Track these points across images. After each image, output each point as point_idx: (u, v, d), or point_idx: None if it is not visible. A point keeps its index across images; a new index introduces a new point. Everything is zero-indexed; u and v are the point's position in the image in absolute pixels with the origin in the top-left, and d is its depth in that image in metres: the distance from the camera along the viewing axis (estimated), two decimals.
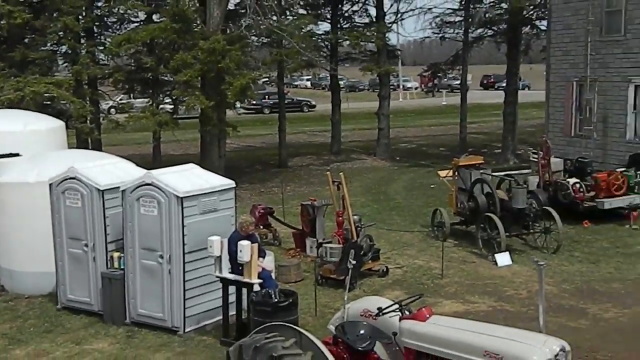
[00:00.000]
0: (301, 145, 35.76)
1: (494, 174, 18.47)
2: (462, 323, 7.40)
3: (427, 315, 7.12)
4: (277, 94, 33.78)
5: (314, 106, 57.39)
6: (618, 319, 12.24)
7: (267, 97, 51.81)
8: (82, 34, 25.54)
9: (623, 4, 23.34)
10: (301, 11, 31.20)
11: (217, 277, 10.87)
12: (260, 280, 10.59)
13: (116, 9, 25.98)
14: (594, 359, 10.38)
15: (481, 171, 17.65)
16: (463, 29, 32.70)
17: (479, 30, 33.24)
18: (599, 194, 18.31)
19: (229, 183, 11.98)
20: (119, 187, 11.52)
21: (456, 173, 17.92)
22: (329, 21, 31.88)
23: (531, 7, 30.77)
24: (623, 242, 17.17)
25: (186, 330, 11.21)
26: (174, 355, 10.65)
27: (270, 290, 10.30)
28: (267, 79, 37.00)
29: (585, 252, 16.40)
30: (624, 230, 18.08)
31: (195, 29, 23.04)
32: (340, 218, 14.58)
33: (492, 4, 32.45)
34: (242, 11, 25.74)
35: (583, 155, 21.72)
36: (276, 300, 10.04)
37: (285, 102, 34.96)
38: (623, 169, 19.70)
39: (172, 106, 25.04)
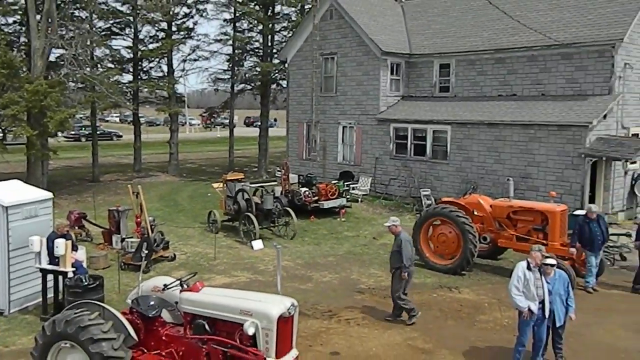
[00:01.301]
0: (111, 165, 33.94)
1: (251, 185, 18.76)
2: (226, 291, 7.43)
3: (200, 287, 7.07)
4: (91, 127, 32.07)
5: (121, 136, 54.75)
6: (332, 282, 12.93)
7: (83, 128, 48.79)
8: None
9: (335, 72, 24.87)
10: (110, 65, 29.88)
11: (37, 268, 10.12)
12: (74, 269, 10.08)
13: None
14: (316, 309, 10.88)
15: (242, 183, 17.89)
16: (230, 83, 33.00)
17: (242, 85, 33.74)
18: (320, 198, 19.25)
19: (47, 195, 11.14)
20: None
21: (225, 185, 18.06)
22: (131, 73, 30.77)
23: (276, 71, 31.80)
24: (336, 230, 18.12)
25: (11, 311, 10.21)
26: (0, 331, 9.63)
27: (81, 276, 9.87)
28: (82, 115, 34.66)
29: (312, 237, 17.09)
30: (337, 222, 19.08)
31: (22, 75, 21.32)
32: (139, 219, 14.10)
33: (250, 67, 33.17)
34: (62, 62, 24.13)
35: (310, 172, 22.77)
36: (86, 283, 9.60)
37: (98, 132, 33.14)
38: (335, 181, 20.94)
39: (1, 134, 22.79)
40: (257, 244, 14.89)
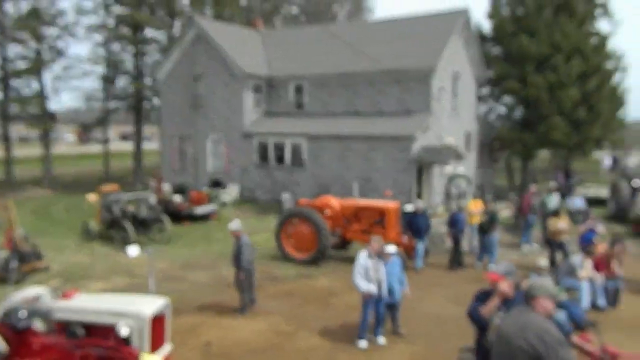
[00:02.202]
0: None
1: (126, 196, 17.74)
2: (100, 296, 6.99)
3: (74, 294, 6.57)
4: None
5: None
6: (205, 280, 12.62)
7: None
8: None
9: (204, 91, 24.39)
10: None
11: None
12: None
13: None
14: (191, 306, 10.56)
15: (116, 195, 16.88)
16: (104, 101, 31.01)
17: (115, 102, 31.82)
18: (192, 205, 18.75)
19: None
20: None
21: (100, 196, 16.87)
22: (2, 91, 27.80)
23: (149, 90, 30.45)
24: (208, 233, 17.75)
25: None
26: None
27: None
28: None
29: (186, 241, 16.56)
30: (209, 226, 18.75)
31: None
32: (9, 234, 12.74)
33: (123, 87, 31.42)
34: None
35: (183, 182, 22.10)
36: None
37: None
38: (206, 188, 20.53)
39: None
40: (133, 251, 13.97)
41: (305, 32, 26.54)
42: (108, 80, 30.68)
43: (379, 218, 13.75)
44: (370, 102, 21.53)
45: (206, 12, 33.95)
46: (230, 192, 22.47)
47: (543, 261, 9.94)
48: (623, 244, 11.77)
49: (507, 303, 4.57)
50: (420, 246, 13.17)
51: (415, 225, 13.08)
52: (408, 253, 13.34)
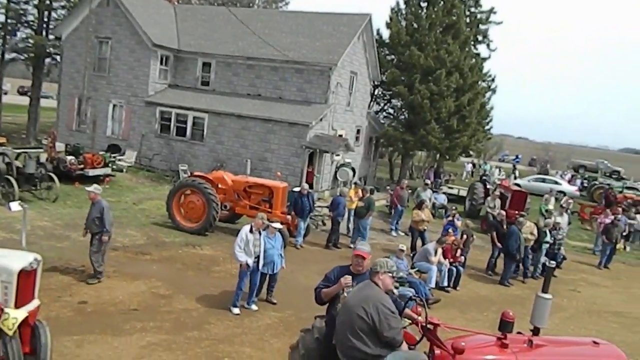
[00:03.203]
0: None
1: (14, 149, 16.13)
2: None
3: None
4: None
5: None
6: (87, 241, 11.97)
7: None
8: None
9: (108, 55, 22.78)
10: None
11: None
12: None
13: None
14: (69, 264, 9.94)
15: (3, 147, 15.33)
16: (1, 51, 27.74)
17: (14, 54, 28.59)
18: (86, 167, 17.52)
19: None
20: None
21: None
22: None
23: (51, 46, 27.72)
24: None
25: None
26: None
27: None
28: None
29: (74, 202, 15.40)
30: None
31: None
32: None
33: (23, 38, 28.28)
34: None
35: (78, 143, 20.55)
36: None
37: None
38: (102, 152, 19.28)
39: None
40: (15, 206, 12.81)
41: (219, 12, 25.65)
42: (7, 31, 27.49)
43: (267, 196, 13.88)
44: (272, 88, 21.46)
45: None
46: (127, 158, 21.32)
47: (401, 246, 10.70)
48: (470, 237, 12.98)
49: (357, 279, 4.87)
50: (302, 225, 13.49)
51: (299, 205, 13.36)
52: (291, 230, 13.62)
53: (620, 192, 27.00)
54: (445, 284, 11.42)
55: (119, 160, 20.59)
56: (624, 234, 17.50)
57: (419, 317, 4.90)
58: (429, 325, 4.66)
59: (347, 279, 4.86)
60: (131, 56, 22.22)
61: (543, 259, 13.43)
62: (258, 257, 8.67)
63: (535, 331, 5.31)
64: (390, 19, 25.83)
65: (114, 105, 22.85)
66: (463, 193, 23.37)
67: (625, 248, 17.97)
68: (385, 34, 26.96)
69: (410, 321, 4.97)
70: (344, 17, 22.87)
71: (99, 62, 23.02)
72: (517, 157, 53.14)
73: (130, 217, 14.55)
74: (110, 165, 18.64)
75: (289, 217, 13.43)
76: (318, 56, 20.67)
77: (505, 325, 4.96)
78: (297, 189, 14.92)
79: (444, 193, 20.62)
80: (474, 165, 32.52)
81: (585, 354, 5.04)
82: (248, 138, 20.18)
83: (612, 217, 16.54)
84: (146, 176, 20.61)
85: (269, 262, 8.90)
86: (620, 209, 18.36)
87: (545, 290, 5.39)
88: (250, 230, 8.63)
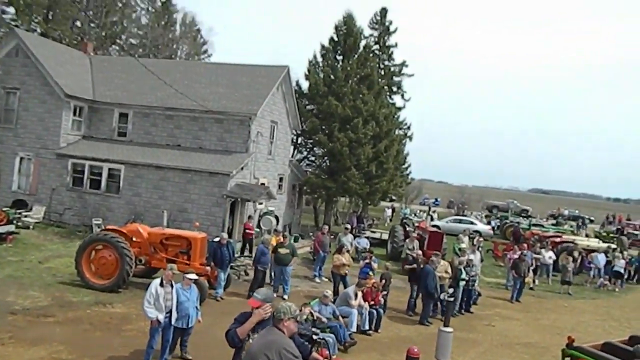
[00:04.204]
0: None
1: None
2: None
3: None
4: None
5: None
6: None
7: None
8: None
9: (16, 107, 21.62)
10: None
11: None
12: None
13: None
14: None
15: None
16: None
17: None
18: None
19: None
20: None
21: None
22: None
23: None
24: (0, 255, 15.40)
25: None
26: None
27: None
28: None
29: None
30: (2, 248, 16.23)
31: None
32: None
33: None
34: None
35: None
36: None
37: None
38: (6, 208, 17.90)
39: None
40: None
41: (136, 63, 25.35)
42: None
43: (185, 247, 13.41)
44: (192, 138, 21.25)
45: (36, 29, 30.54)
46: (35, 214, 19.91)
47: (326, 292, 10.72)
48: (389, 279, 13.23)
49: (263, 325, 4.79)
50: (222, 276, 13.13)
51: (219, 256, 13.03)
52: (211, 282, 13.19)
53: (528, 229, 28.91)
54: (367, 327, 11.47)
55: (25, 216, 19.20)
56: (532, 268, 18.63)
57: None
58: None
59: (266, 309, 4.76)
60: (41, 107, 21.22)
61: (460, 296, 13.94)
62: (170, 311, 8.28)
63: None
64: (309, 70, 26.82)
65: (22, 158, 21.49)
66: (385, 236, 23.95)
67: (534, 282, 19.07)
68: (304, 85, 27.93)
69: None
70: (262, 69, 23.45)
71: (5, 113, 21.73)
72: (436, 200, 55.68)
73: (34, 276, 13.46)
74: (14, 222, 17.30)
75: (208, 268, 13.03)
76: (238, 106, 20.87)
77: None
78: (217, 239, 14.61)
79: (366, 237, 21.03)
80: (393, 209, 33.70)
81: None
82: (167, 189, 19.65)
83: (520, 252, 17.61)
84: (56, 232, 19.30)
85: (184, 315, 8.53)
86: (526, 245, 19.60)
87: (446, 324, 5.59)
88: (161, 284, 8.28)
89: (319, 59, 27.41)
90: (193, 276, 8.87)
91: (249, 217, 19.63)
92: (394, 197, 36.96)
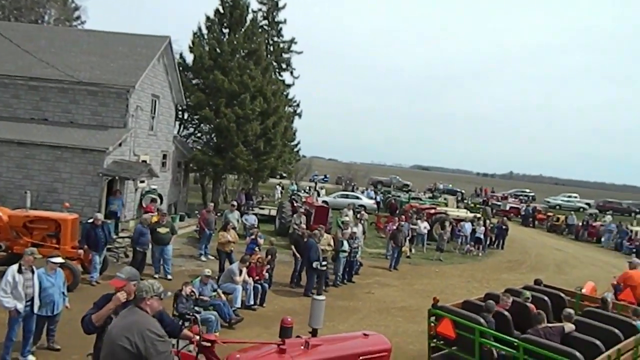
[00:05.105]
0: None
1: None
2: None
3: None
4: None
5: None
6: None
7: None
8: None
9: None
10: None
11: None
12: None
13: None
14: None
15: None
16: None
17: None
18: None
19: None
20: None
21: None
22: None
23: None
24: None
25: None
26: None
27: None
28: None
29: None
30: None
31: None
32: None
33: None
34: None
35: None
36: None
37: None
38: None
39: None
40: None
41: None
42: None
43: (54, 230, 12.34)
44: (61, 111, 19.37)
45: None
46: None
47: (207, 271, 10.54)
48: (274, 254, 13.37)
49: (126, 305, 4.56)
50: (97, 259, 12.32)
51: (93, 238, 12.17)
52: (85, 266, 12.33)
53: (407, 202, 30.92)
54: (252, 302, 11.53)
55: None
56: (408, 238, 20.01)
57: (196, 337, 4.80)
58: (205, 343, 4.59)
59: (123, 294, 4.53)
60: None
61: (342, 267, 14.56)
62: (32, 299, 7.58)
63: (314, 332, 5.64)
64: (193, 43, 25.68)
65: None
66: (274, 213, 24.11)
67: (410, 250, 20.52)
68: (189, 58, 26.72)
69: (188, 341, 4.84)
70: (141, 39, 21.98)
71: None
72: (325, 176, 57.17)
73: None
74: None
75: (81, 251, 12.12)
76: (114, 78, 19.40)
77: (284, 331, 5.16)
78: (90, 220, 13.63)
79: (254, 214, 20.98)
80: (282, 186, 34.08)
81: (357, 346, 5.52)
82: (33, 167, 17.80)
83: (398, 224, 18.79)
84: None
85: (48, 302, 7.87)
86: (404, 217, 20.95)
87: (319, 292, 5.78)
88: (19, 270, 7.53)
89: (204, 31, 26.36)
90: (58, 260, 8.19)
91: (152, 199, 18.59)
92: (283, 174, 37.27)
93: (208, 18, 26.29)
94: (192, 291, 9.38)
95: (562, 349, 6.77)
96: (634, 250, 26.57)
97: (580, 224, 34.05)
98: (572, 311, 8.14)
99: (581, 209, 48.78)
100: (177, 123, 26.94)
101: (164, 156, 23.67)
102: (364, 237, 18.91)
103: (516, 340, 7.22)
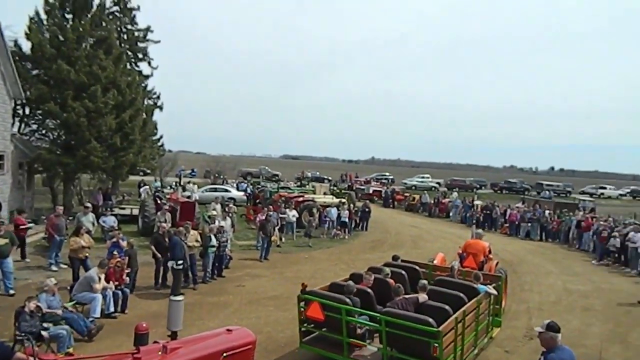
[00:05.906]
0: None
1: None
2: None
3: None
4: None
5: None
6: None
7: None
8: None
9: None
10: None
11: None
12: None
13: None
14: None
15: None
16: None
17: None
18: None
19: None
20: None
21: None
22: None
23: None
24: None
25: None
26: None
27: None
28: None
29: None
30: None
31: None
32: None
33: None
34: None
35: None
36: None
37: None
38: None
39: None
40: None
41: None
42: None
43: None
44: None
45: None
46: None
47: (51, 280, 9.50)
48: (135, 255, 12.51)
49: None
50: None
51: None
52: None
53: (276, 192, 31.17)
54: (112, 309, 10.67)
55: None
56: (277, 227, 20.18)
57: (31, 358, 4.25)
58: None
59: None
60: None
61: (211, 263, 14.16)
62: None
63: (173, 335, 5.35)
64: (30, 29, 22.75)
65: None
66: (136, 212, 22.65)
67: (280, 239, 20.72)
68: (26, 46, 23.66)
69: None
70: None
71: None
72: (192, 170, 55.25)
73: None
74: None
75: None
76: None
77: (139, 339, 4.81)
78: None
79: (113, 215, 19.44)
80: (144, 183, 32.14)
81: (219, 343, 5.36)
82: None
83: (266, 214, 18.82)
84: None
85: None
86: (272, 207, 21.06)
87: (176, 292, 5.49)
88: None
89: (43, 17, 23.50)
90: None
91: (21, 211, 16.07)
92: (147, 170, 35.10)
93: (47, 1, 23.48)
94: (38, 306, 8.36)
95: (417, 316, 7.36)
96: (474, 222, 29.97)
97: (433, 201, 37.51)
98: (425, 282, 8.90)
99: (433, 188, 53.84)
100: (15, 119, 23.77)
101: (0, 157, 20.77)
102: (233, 230, 18.62)
103: (378, 315, 7.67)
